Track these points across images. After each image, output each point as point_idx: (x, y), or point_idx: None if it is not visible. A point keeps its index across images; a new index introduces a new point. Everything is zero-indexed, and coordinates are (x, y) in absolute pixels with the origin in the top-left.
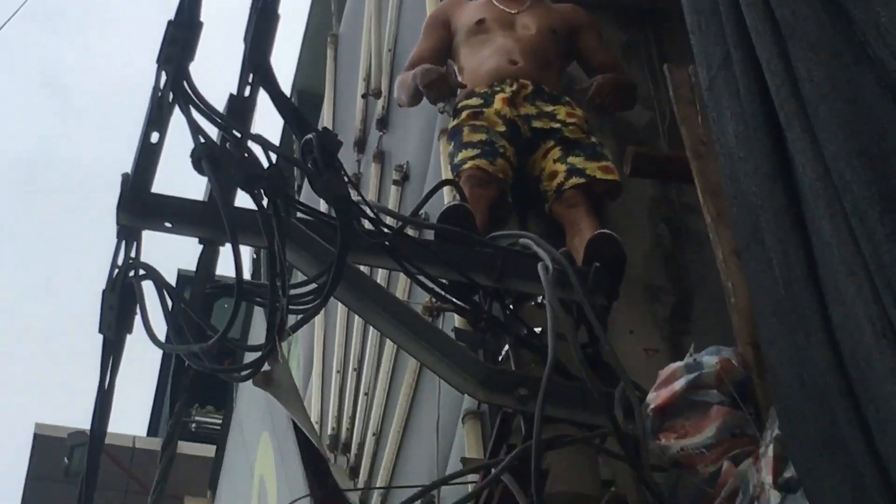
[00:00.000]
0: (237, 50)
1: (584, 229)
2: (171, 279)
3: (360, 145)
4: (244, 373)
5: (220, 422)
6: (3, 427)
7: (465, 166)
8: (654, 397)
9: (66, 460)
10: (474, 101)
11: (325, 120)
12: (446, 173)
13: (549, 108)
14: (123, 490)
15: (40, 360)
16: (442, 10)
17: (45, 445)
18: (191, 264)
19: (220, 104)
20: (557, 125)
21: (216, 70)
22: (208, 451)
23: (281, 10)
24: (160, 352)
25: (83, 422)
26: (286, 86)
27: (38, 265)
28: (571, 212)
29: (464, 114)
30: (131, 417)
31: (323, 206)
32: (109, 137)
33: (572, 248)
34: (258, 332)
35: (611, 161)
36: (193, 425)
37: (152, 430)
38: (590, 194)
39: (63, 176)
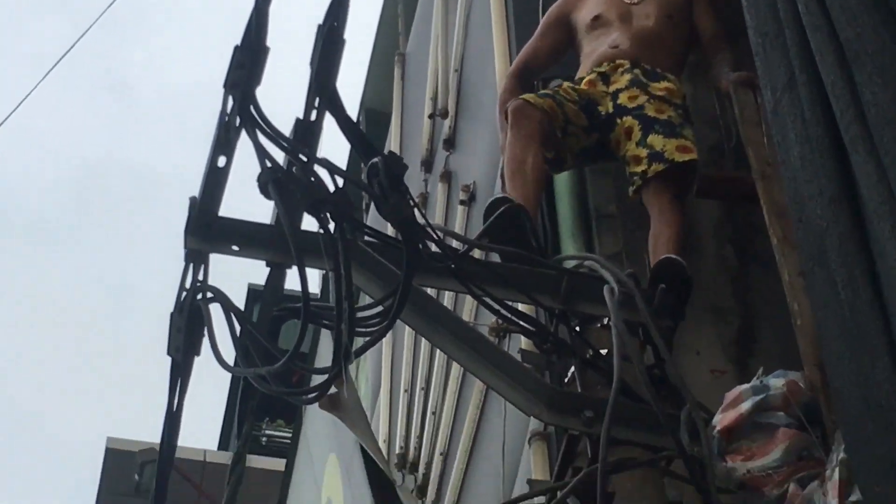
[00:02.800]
0: (304, 73)
1: (662, 221)
2: (241, 294)
3: (427, 165)
4: (310, 396)
5: (290, 435)
6: (76, 442)
7: (515, 104)
8: (721, 419)
9: (136, 477)
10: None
11: (393, 139)
12: None
13: (643, 82)
14: None
15: (111, 370)
16: (564, 5)
17: (117, 460)
18: (261, 279)
19: (286, 128)
20: (644, 99)
21: (282, 93)
22: (278, 464)
23: (349, 27)
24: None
25: (155, 436)
26: (354, 104)
27: (106, 271)
28: (654, 200)
29: None
30: (203, 431)
31: (389, 228)
32: (174, 139)
33: (650, 234)
34: (325, 353)
35: (689, 137)
36: (264, 439)
37: (223, 444)
38: (673, 178)
39: (128, 179)
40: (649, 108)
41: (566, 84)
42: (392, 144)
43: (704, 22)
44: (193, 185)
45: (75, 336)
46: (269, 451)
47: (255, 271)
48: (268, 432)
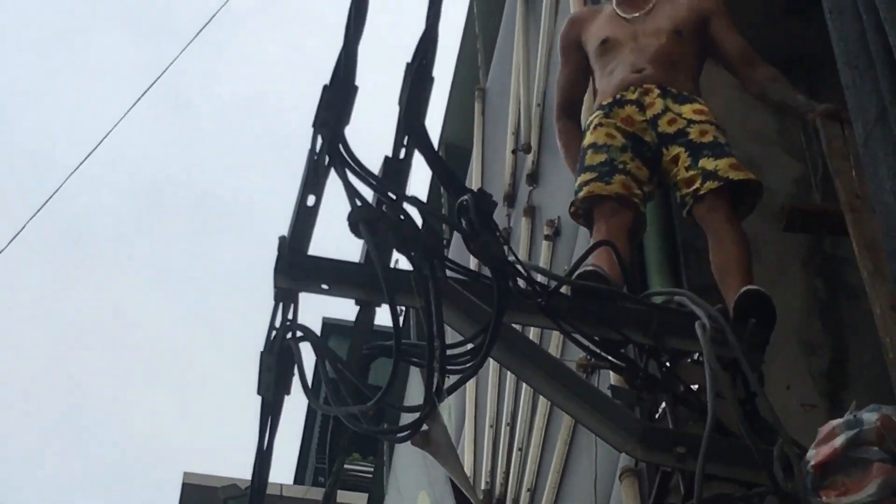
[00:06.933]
0: (388, 111)
1: (725, 245)
2: (316, 327)
3: (510, 200)
4: (402, 434)
5: (367, 469)
6: (150, 474)
7: (580, 193)
8: (815, 454)
9: None
10: (597, 114)
11: (474, 173)
12: None
13: (676, 108)
14: None
15: (184, 401)
16: (570, 30)
17: (195, 495)
18: (336, 312)
19: (373, 165)
20: (683, 124)
21: (365, 127)
22: (356, 498)
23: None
24: (305, 401)
25: (233, 470)
26: (434, 139)
27: (181, 291)
28: (710, 218)
29: (588, 131)
30: (277, 465)
31: (470, 261)
32: (233, 159)
33: (712, 259)
34: (413, 390)
35: (735, 158)
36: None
37: (298, 478)
38: (728, 196)
39: (190, 198)
40: (693, 133)
41: (601, 122)
42: (473, 179)
43: (729, 38)
44: (257, 211)
45: (149, 360)
46: (345, 485)
47: (331, 305)
48: (345, 466)
